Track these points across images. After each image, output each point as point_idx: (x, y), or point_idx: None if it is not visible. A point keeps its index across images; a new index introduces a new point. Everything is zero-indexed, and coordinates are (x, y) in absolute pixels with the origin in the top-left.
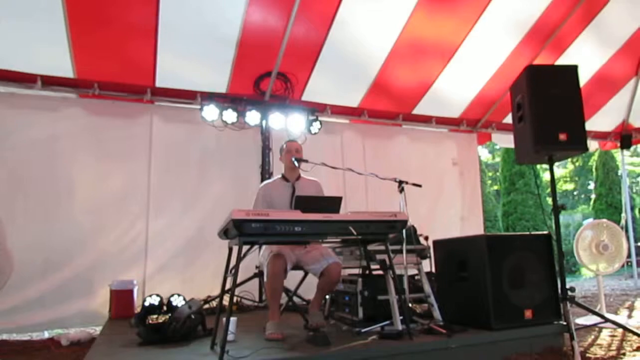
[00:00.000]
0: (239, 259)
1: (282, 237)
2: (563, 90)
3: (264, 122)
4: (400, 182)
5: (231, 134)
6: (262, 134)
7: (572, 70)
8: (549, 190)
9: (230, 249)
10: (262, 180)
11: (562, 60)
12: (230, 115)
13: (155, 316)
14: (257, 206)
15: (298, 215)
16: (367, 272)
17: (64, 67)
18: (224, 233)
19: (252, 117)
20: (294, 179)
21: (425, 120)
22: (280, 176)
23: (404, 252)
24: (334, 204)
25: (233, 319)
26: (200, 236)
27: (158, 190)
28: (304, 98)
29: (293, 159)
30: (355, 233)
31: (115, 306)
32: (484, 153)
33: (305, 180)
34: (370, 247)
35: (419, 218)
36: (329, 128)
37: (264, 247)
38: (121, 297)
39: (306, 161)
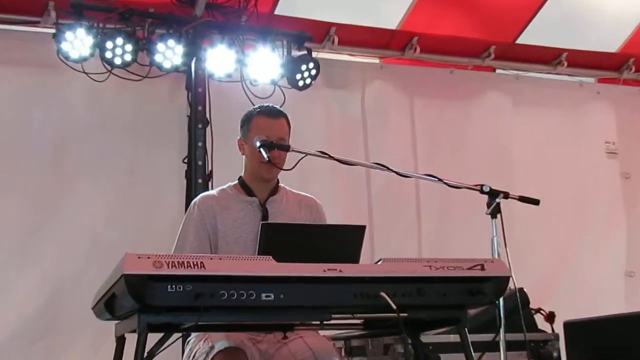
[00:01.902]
0: None
1: (235, 317)
2: None
3: (193, 64)
4: (493, 194)
5: (124, 89)
6: (191, 89)
7: None
8: None
9: (121, 341)
10: (189, 189)
11: None
12: (120, 49)
13: None
14: (184, 245)
15: (268, 266)
16: None
17: None
18: (107, 306)
19: (169, 53)
20: (264, 193)
21: (546, 58)
22: (234, 184)
23: (502, 347)
24: (347, 241)
25: None
26: (55, 310)
27: None
28: (279, 11)
29: (267, 158)
30: (393, 306)
31: None
32: None
33: (290, 196)
34: (428, 338)
35: (535, 273)
36: (336, 76)
37: (193, 336)
38: None
39: (286, 149)
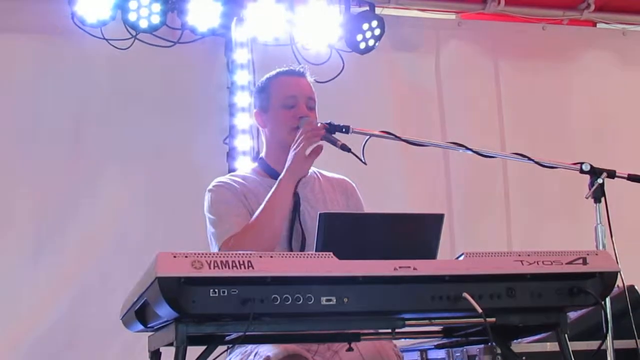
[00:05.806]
0: None
1: (290, 326)
2: None
3: (233, 26)
4: (595, 173)
5: (151, 57)
6: (231, 57)
7: None
8: None
9: (156, 356)
10: None
11: None
12: (146, 10)
13: None
14: (219, 239)
15: (329, 265)
16: None
17: None
18: (138, 315)
19: (205, 13)
20: None
21: None
22: (252, 168)
23: (611, 357)
24: (422, 233)
25: None
26: (75, 322)
27: None
28: None
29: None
30: (479, 310)
31: None
32: None
33: (322, 178)
34: (520, 347)
35: None
36: (404, 36)
37: (237, 349)
38: None
39: (345, 130)
